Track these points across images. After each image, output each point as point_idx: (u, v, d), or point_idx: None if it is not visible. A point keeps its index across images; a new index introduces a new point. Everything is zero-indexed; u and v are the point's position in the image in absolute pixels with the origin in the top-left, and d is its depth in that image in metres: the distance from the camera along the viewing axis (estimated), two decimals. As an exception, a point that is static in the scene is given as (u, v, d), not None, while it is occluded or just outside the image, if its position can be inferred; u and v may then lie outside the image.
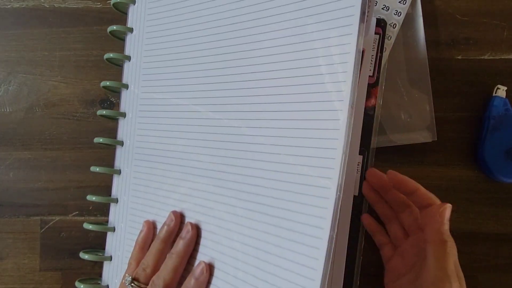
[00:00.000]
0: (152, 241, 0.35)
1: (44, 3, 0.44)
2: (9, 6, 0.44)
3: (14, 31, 0.44)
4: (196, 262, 0.33)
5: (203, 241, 0.33)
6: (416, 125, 0.40)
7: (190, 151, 0.34)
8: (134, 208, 0.38)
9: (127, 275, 0.33)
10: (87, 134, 0.43)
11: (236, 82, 0.33)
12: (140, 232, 0.36)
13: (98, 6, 0.44)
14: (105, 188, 0.42)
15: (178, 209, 0.35)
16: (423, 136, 0.40)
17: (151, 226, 0.36)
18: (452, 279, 0.29)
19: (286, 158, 0.29)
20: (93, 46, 0.43)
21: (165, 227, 0.34)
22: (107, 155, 0.42)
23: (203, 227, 0.33)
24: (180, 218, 0.34)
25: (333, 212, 0.26)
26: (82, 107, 0.43)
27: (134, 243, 0.35)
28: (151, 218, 0.36)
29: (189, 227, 0.33)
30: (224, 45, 0.34)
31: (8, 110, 0.43)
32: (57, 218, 0.43)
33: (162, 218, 0.35)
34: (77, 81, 0.43)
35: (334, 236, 0.26)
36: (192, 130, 0.35)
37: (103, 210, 0.42)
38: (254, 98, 0.32)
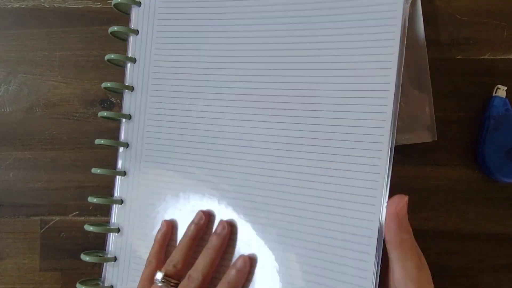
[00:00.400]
0: (170, 240, 0.36)
1: (44, 3, 0.44)
2: (9, 6, 0.44)
3: (14, 31, 0.44)
4: (234, 258, 0.34)
5: (237, 237, 0.34)
6: (416, 125, 0.40)
7: (211, 154, 0.35)
8: (145, 209, 0.38)
9: (158, 271, 0.33)
10: (87, 134, 0.43)
11: (259, 89, 0.34)
12: (159, 231, 0.36)
13: (98, 6, 0.44)
14: (105, 188, 0.42)
15: (204, 208, 0.35)
16: (423, 136, 0.40)
17: (170, 225, 0.36)
18: (415, 278, 0.29)
19: (332, 158, 0.32)
20: (93, 46, 0.43)
21: (193, 225, 0.34)
22: (107, 155, 0.42)
23: (235, 224, 0.34)
24: (209, 217, 0.35)
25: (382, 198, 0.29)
26: (82, 107, 0.43)
27: (153, 242, 0.36)
28: (167, 218, 0.37)
29: (225, 224, 0.34)
30: (253, 54, 0.35)
31: (8, 110, 0.43)
32: (57, 218, 0.43)
33: (180, 218, 0.36)
34: (77, 81, 0.43)
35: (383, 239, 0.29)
36: (212, 135, 0.35)
37: (104, 210, 0.42)
38: (284, 106, 0.34)
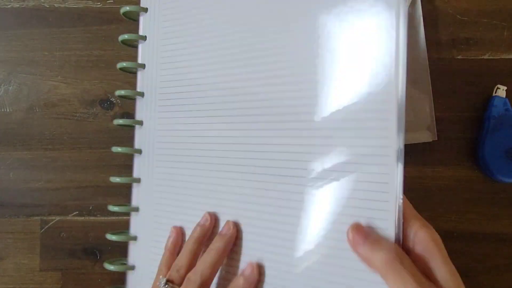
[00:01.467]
0: (181, 246, 0.35)
1: (44, 3, 0.44)
2: (9, 6, 0.44)
3: (14, 31, 0.44)
4: (241, 264, 0.33)
5: (242, 242, 0.33)
6: (416, 125, 0.40)
7: (223, 162, 0.35)
8: (160, 215, 0.37)
9: (161, 277, 0.32)
10: (87, 134, 0.43)
11: (267, 100, 0.33)
12: (169, 238, 0.35)
13: (98, 6, 0.44)
14: (105, 188, 0.42)
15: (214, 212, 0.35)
16: (423, 136, 0.40)
17: (180, 231, 0.35)
18: None
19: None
20: (93, 46, 0.43)
21: (199, 227, 0.34)
22: (107, 155, 0.42)
23: (243, 228, 0.33)
24: (214, 218, 0.34)
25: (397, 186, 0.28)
26: (82, 107, 0.43)
27: (164, 249, 0.35)
28: (180, 224, 0.36)
29: (230, 225, 0.33)
30: (260, 61, 0.34)
31: (8, 110, 0.43)
32: (57, 218, 0.43)
33: (191, 224, 0.35)
34: (77, 81, 0.43)
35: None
36: (222, 141, 0.35)
37: (104, 210, 0.42)
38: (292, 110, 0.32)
